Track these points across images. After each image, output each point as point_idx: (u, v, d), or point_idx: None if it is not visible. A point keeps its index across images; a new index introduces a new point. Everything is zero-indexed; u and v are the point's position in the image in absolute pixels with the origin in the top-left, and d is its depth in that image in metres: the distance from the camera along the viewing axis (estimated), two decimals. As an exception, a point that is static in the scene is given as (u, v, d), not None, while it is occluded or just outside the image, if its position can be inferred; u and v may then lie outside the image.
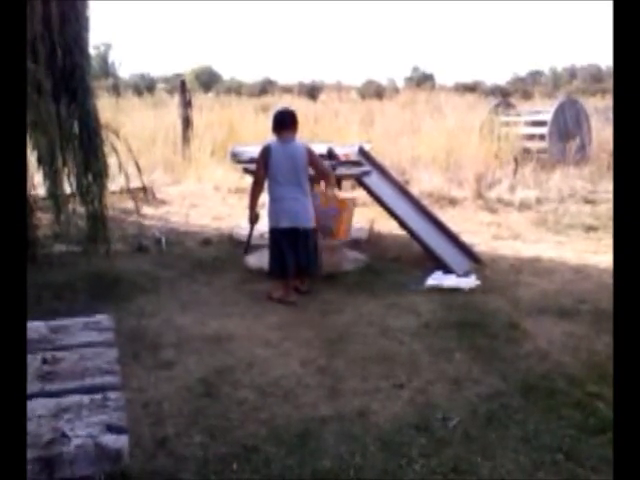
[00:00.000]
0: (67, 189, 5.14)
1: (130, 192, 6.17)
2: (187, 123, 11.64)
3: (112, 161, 5.57)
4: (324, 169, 4.82)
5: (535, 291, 4.93)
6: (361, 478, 2.53)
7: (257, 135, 9.89)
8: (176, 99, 12.71)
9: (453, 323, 4.20)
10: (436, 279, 5.10)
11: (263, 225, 5.01)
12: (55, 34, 4.76)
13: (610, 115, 13.17)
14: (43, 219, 5.65)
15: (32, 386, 1.95)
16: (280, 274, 4.69)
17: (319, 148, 5.27)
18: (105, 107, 9.13)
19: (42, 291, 4.49)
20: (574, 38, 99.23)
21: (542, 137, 11.85)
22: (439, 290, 4.92)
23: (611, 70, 40.04)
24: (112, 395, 1.93)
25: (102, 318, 2.60)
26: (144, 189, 6.78)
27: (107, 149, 5.39)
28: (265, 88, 32.62)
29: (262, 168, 4.63)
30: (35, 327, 2.43)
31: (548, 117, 12.01)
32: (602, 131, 12.45)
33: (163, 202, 8.51)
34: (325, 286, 5.00)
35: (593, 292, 4.84)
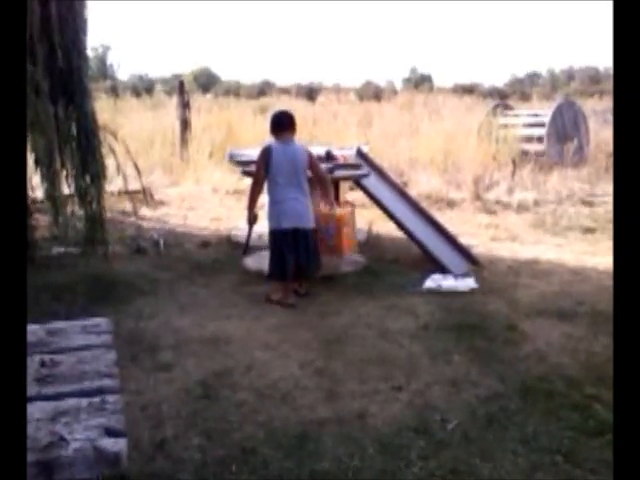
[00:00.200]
0: (65, 191, 5.14)
1: (128, 194, 6.17)
2: (185, 125, 11.64)
3: (110, 163, 5.58)
4: (323, 176, 4.83)
5: (533, 293, 4.93)
6: (360, 480, 2.53)
7: (255, 137, 9.91)
8: (174, 100, 12.70)
9: (451, 325, 4.20)
10: (434, 281, 5.10)
11: (261, 226, 5.01)
12: (53, 35, 4.76)
13: (608, 117, 13.23)
14: (41, 221, 5.64)
15: (30, 389, 1.95)
16: (280, 277, 4.69)
17: (317, 150, 5.28)
18: (103, 108, 9.16)
19: (40, 293, 4.48)
20: (572, 40, 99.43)
21: (540, 139, 11.87)
22: (437, 292, 4.92)
23: (609, 72, 40.17)
24: (110, 398, 1.93)
25: (100, 321, 2.59)
26: (143, 191, 6.78)
27: (105, 151, 5.40)
28: (263, 90, 32.66)
29: (262, 169, 4.62)
30: (33, 330, 2.43)
31: (546, 119, 12.03)
32: (600, 133, 12.49)
33: (161, 204, 8.51)
34: (323, 288, 5.00)
35: (591, 294, 4.84)
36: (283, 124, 4.71)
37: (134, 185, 6.46)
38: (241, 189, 9.05)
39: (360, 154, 6.13)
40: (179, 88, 12.26)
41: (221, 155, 9.73)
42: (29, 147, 4.61)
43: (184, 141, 11.41)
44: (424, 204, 6.96)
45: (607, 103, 16.53)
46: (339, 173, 5.49)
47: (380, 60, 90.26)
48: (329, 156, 5.49)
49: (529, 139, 11.83)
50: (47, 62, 4.73)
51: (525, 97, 27.27)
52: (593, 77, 44.38)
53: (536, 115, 12.79)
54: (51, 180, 4.80)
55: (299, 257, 4.63)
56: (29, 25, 4.39)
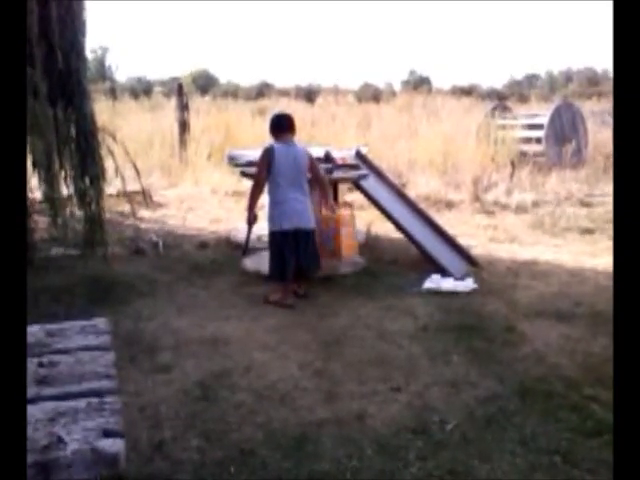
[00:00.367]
0: (64, 192, 5.14)
1: (127, 195, 6.17)
2: (184, 126, 11.64)
3: (109, 164, 5.58)
4: (322, 178, 4.85)
5: (532, 294, 4.93)
6: (358, 481, 2.53)
7: (254, 138, 9.91)
8: (173, 102, 12.71)
9: (450, 326, 4.20)
10: (433, 282, 5.11)
11: (260, 228, 5.01)
12: (52, 37, 4.77)
13: (606, 118, 13.26)
14: (40, 222, 5.64)
15: (28, 390, 1.94)
16: (280, 277, 4.69)
17: (316, 151, 5.28)
18: (102, 110, 9.16)
19: (39, 294, 4.48)
20: (570, 42, 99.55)
21: (538, 140, 11.89)
22: (436, 293, 4.93)
23: (607, 73, 40.29)
24: (109, 399, 1.92)
25: (99, 322, 2.59)
26: (142, 192, 6.78)
27: (104, 152, 5.40)
28: (262, 91, 32.65)
29: (265, 169, 4.62)
30: (31, 331, 2.42)
31: (544, 120, 12.05)
32: (598, 134, 12.52)
33: (160, 205, 8.51)
34: (322, 289, 5.01)
35: (590, 295, 4.85)
36: (284, 126, 4.73)
37: (133, 186, 6.46)
38: (240, 190, 9.05)
39: (359, 155, 6.13)
40: (177, 90, 12.28)
41: (220, 156, 9.73)
42: (28, 149, 4.61)
43: (183, 143, 11.42)
44: (423, 205, 6.96)
45: (605, 104, 16.58)
46: (338, 174, 5.49)
47: (379, 62, 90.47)
48: (328, 157, 5.49)
49: (528, 140, 11.86)
50: (46, 64, 4.73)
51: (523, 99, 27.30)
52: (591, 79, 44.41)
53: (534, 116, 12.82)
54: (50, 182, 4.80)
55: (299, 258, 4.64)
56: (28, 27, 4.39)
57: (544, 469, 2.60)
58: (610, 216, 7.12)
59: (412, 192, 8.27)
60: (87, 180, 5.20)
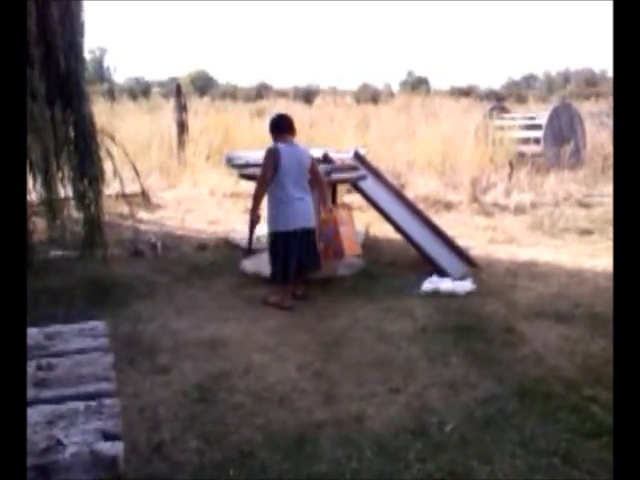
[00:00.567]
0: (63, 194, 5.13)
1: (125, 197, 6.16)
2: (182, 127, 11.64)
3: (107, 166, 5.57)
4: (321, 179, 4.86)
5: (531, 295, 4.93)
6: (358, 483, 2.53)
7: (252, 139, 9.92)
8: (171, 103, 12.71)
9: (449, 327, 4.20)
10: (432, 283, 5.11)
11: (259, 229, 5.00)
12: (50, 38, 4.76)
13: (604, 119, 13.27)
14: (38, 224, 5.63)
15: (27, 393, 1.94)
16: (283, 279, 4.69)
17: (315, 153, 5.27)
18: (100, 112, 9.13)
19: (38, 296, 4.47)
20: (568, 42, 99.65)
21: (537, 141, 11.90)
22: (435, 294, 4.93)
23: (605, 74, 40.32)
24: (107, 402, 1.92)
25: (97, 324, 2.59)
26: (142, 193, 6.78)
27: (103, 154, 5.39)
28: (260, 92, 32.65)
29: (271, 170, 4.61)
30: (30, 333, 2.42)
31: (543, 121, 12.07)
32: (596, 135, 12.54)
33: (159, 207, 8.50)
34: (321, 291, 5.00)
35: (589, 296, 4.85)
36: (284, 126, 4.75)
37: (131, 188, 6.46)
38: (238, 192, 9.06)
39: (357, 157, 6.13)
40: (176, 91, 12.28)
41: (218, 158, 9.73)
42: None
43: (181, 144, 11.42)
44: (421, 206, 6.97)
45: (603, 105, 16.60)
46: (336, 176, 5.49)
47: (377, 63, 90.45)
48: (326, 159, 5.49)
49: (526, 141, 11.87)
50: (44, 65, 4.72)
51: (521, 99, 27.31)
52: (589, 79, 44.44)
53: (533, 117, 12.83)
54: (48, 183, 4.80)
55: (301, 256, 4.65)
56: (26, 28, 4.38)
57: (544, 470, 2.60)
58: (609, 217, 7.14)
59: (411, 193, 8.28)
60: (86, 182, 5.19)
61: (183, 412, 3.05)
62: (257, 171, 5.00)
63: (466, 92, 30.12)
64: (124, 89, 30.22)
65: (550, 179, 10.03)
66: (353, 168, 5.81)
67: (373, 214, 6.30)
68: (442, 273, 5.30)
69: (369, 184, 5.89)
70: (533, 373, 3.51)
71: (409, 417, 3.03)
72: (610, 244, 5.74)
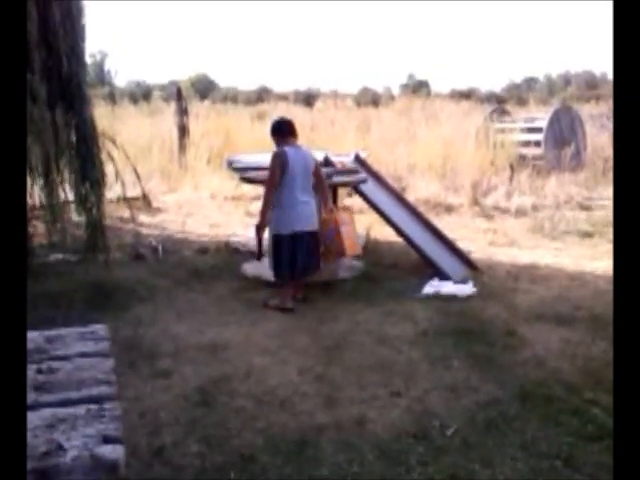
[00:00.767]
0: (64, 198, 5.13)
1: (127, 200, 6.17)
2: (183, 131, 11.65)
3: (108, 169, 5.57)
4: (324, 182, 4.89)
5: (532, 298, 4.93)
6: (359, 487, 2.53)
7: (253, 143, 9.92)
8: (172, 107, 12.72)
9: (450, 330, 4.20)
10: (433, 286, 5.10)
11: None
12: (51, 42, 4.76)
13: (605, 121, 13.26)
14: (38, 228, 5.64)
15: (27, 397, 1.94)
16: (290, 278, 4.73)
17: (316, 156, 5.28)
18: (101, 115, 9.14)
19: (39, 300, 4.47)
20: (569, 45, 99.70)
21: (537, 144, 11.90)
22: (436, 297, 4.92)
23: (605, 76, 40.33)
24: (108, 405, 1.92)
25: (98, 328, 2.58)
26: (143, 197, 6.78)
27: (104, 157, 5.39)
28: (261, 96, 32.67)
29: (279, 173, 4.62)
30: (30, 337, 2.41)
31: (543, 124, 12.07)
32: (597, 137, 12.53)
33: (159, 210, 8.51)
34: (322, 294, 5.00)
35: (590, 299, 4.85)
36: (286, 130, 4.78)
37: (132, 192, 6.46)
38: (239, 195, 9.07)
39: (358, 160, 6.13)
40: (177, 94, 12.29)
41: (219, 161, 9.74)
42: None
43: (182, 147, 11.42)
44: (422, 209, 6.97)
45: (603, 108, 16.57)
46: (337, 179, 5.49)
47: (377, 66, 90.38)
48: (327, 162, 5.49)
49: (527, 144, 11.87)
50: (45, 68, 4.73)
51: (522, 102, 27.30)
52: (590, 82, 44.47)
53: (533, 120, 12.83)
54: (48, 187, 4.80)
55: (303, 258, 4.66)
56: (27, 31, 4.39)
57: (545, 473, 2.60)
58: (609, 219, 7.13)
59: (411, 196, 8.28)
60: (88, 185, 5.19)
61: (184, 416, 3.05)
62: (258, 174, 5.01)
63: (467, 95, 30.10)
64: (125, 92, 30.24)
65: (551, 182, 10.02)
66: (354, 171, 5.81)
67: (374, 217, 6.30)
68: (443, 276, 5.30)
69: (370, 187, 5.89)
70: (534, 376, 3.51)
71: (410, 421, 3.02)
72: (611, 247, 5.73)
